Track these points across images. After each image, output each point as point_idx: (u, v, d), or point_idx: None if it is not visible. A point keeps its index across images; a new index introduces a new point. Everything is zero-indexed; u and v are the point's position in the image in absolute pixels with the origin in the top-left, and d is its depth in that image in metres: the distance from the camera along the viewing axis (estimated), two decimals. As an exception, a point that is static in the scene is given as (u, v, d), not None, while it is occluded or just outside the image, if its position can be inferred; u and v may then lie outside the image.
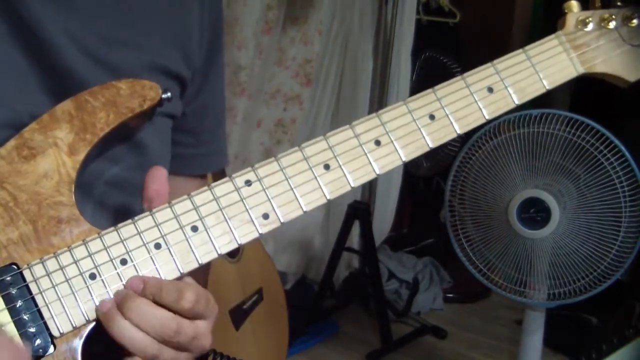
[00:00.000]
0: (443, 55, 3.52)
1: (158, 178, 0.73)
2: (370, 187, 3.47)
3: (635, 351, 1.64)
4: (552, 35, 0.87)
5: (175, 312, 0.69)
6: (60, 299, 0.69)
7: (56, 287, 0.69)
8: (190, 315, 0.69)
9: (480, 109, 0.82)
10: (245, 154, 3.33)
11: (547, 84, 0.85)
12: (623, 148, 1.87)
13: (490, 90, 0.83)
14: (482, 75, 0.83)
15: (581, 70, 0.87)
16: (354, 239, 3.36)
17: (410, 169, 3.71)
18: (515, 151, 2.01)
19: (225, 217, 0.73)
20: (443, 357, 3.07)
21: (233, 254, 2.10)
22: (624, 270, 1.92)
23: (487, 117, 0.82)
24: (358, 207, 3.07)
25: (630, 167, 1.87)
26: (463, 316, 3.42)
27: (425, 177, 3.84)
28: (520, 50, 0.85)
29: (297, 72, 3.41)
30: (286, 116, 3.44)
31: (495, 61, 0.84)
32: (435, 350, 3.11)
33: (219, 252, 0.73)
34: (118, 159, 0.80)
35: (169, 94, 0.75)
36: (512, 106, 0.84)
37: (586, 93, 3.24)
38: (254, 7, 3.24)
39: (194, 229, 0.72)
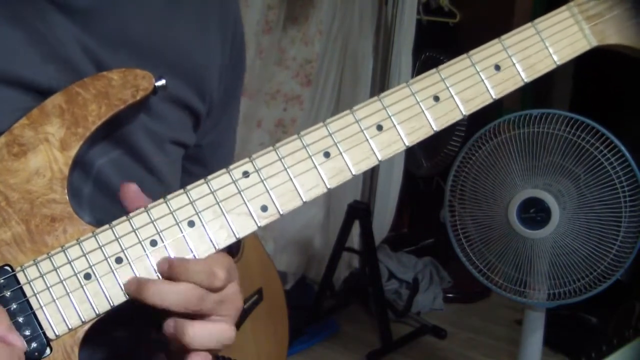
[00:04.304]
0: (443, 55, 3.52)
1: (131, 196, 0.73)
2: (370, 187, 3.47)
3: (635, 351, 1.64)
4: (563, 7, 0.82)
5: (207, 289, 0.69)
6: (54, 301, 0.68)
7: (50, 289, 0.68)
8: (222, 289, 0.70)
9: (488, 88, 0.78)
10: (245, 154, 3.31)
11: (558, 59, 0.81)
12: (623, 148, 1.87)
13: (497, 68, 0.79)
14: (488, 53, 0.79)
15: (594, 43, 0.82)
16: (354, 239, 3.36)
17: (410, 169, 3.71)
18: (515, 151, 2.01)
19: (222, 211, 0.71)
20: (443, 357, 3.07)
21: (233, 254, 2.10)
22: (624, 270, 1.92)
23: (494, 97, 0.78)
24: (358, 207, 3.07)
25: (630, 167, 1.87)
26: (463, 316, 3.42)
27: (425, 177, 3.84)
28: (529, 24, 0.80)
29: (298, 72, 3.42)
30: (286, 116, 3.44)
31: (503, 37, 0.80)
32: (435, 350, 3.11)
33: (217, 248, 0.71)
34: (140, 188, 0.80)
35: (163, 81, 0.73)
36: (520, 84, 0.80)
37: (586, 93, 3.24)
38: (255, 7, 3.24)
39: (191, 224, 0.70)
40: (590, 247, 1.95)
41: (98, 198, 0.77)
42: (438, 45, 3.59)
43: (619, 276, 1.93)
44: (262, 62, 3.34)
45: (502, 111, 2.43)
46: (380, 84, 3.40)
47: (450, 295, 3.58)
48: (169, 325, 0.69)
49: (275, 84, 3.40)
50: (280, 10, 3.31)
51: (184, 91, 0.83)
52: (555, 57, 0.81)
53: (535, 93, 3.51)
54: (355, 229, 3.23)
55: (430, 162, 3.73)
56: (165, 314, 0.69)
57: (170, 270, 0.69)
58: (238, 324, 2.27)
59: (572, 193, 1.96)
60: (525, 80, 0.80)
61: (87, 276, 0.68)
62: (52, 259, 0.68)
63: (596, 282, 1.96)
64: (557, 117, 1.95)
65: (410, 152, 3.68)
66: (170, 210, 0.70)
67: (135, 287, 0.69)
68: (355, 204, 3.08)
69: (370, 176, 3.45)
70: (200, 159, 0.93)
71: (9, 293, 0.67)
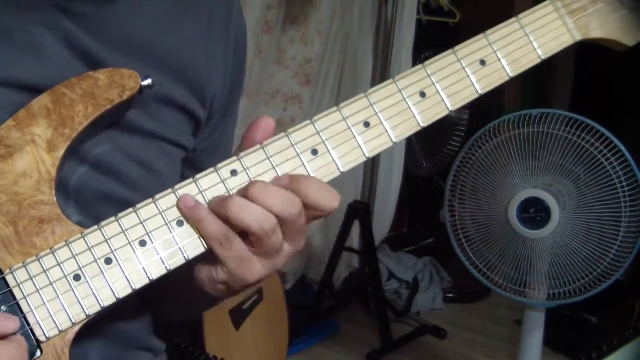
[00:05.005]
0: (443, 56, 3.51)
1: (263, 129, 0.73)
2: (370, 187, 3.46)
3: (635, 351, 1.63)
4: (547, 1, 0.83)
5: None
6: (45, 304, 0.67)
7: (40, 292, 0.67)
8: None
9: (473, 83, 0.79)
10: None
11: (542, 54, 0.82)
12: (623, 148, 1.87)
13: (483, 63, 0.79)
14: (474, 48, 0.80)
15: (578, 37, 0.83)
16: (354, 239, 3.36)
17: (410, 169, 3.70)
18: (515, 151, 2.01)
19: None
20: (443, 357, 3.06)
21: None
22: (624, 270, 1.92)
23: (480, 92, 0.79)
24: (358, 207, 3.06)
25: (630, 167, 1.87)
26: (463, 316, 3.41)
27: (425, 177, 3.83)
28: (513, 19, 0.82)
29: (297, 72, 3.41)
30: (286, 116, 3.43)
31: (488, 32, 0.80)
32: (435, 350, 3.11)
33: (206, 247, 0.71)
34: (132, 184, 0.80)
35: (149, 81, 0.74)
36: (506, 79, 0.81)
37: (586, 93, 3.24)
38: (254, 7, 3.23)
39: (180, 224, 0.70)
40: (590, 247, 1.95)
41: (85, 192, 0.77)
42: (438, 45, 3.57)
43: (619, 276, 1.93)
44: (261, 62, 3.33)
45: (502, 111, 2.42)
46: (380, 84, 3.39)
47: (450, 295, 3.57)
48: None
49: (274, 84, 3.39)
50: (279, 10, 3.30)
51: (185, 96, 0.84)
52: (539, 52, 0.82)
53: (535, 93, 3.51)
54: (355, 229, 3.22)
55: (430, 162, 3.73)
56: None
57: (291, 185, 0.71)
58: (238, 324, 2.25)
59: (572, 193, 1.96)
60: (511, 74, 0.81)
61: (77, 278, 0.68)
62: (41, 261, 0.68)
63: (596, 282, 1.96)
64: (557, 117, 1.95)
65: (410, 152, 3.68)
66: (159, 210, 0.70)
67: (219, 202, 0.69)
68: (355, 204, 3.08)
69: (370, 176, 3.45)
70: (195, 164, 0.93)
71: (-1, 296, 0.67)
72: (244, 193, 0.69)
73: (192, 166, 0.93)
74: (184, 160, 0.90)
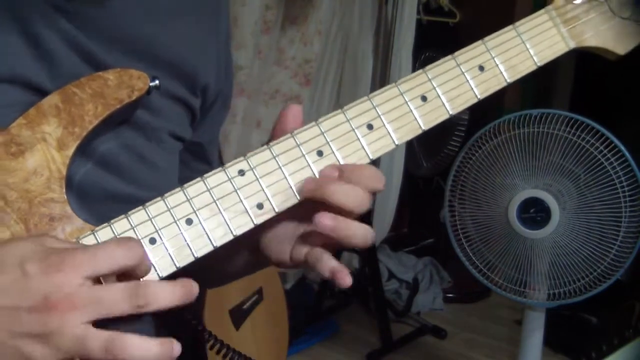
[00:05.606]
0: (443, 55, 3.50)
1: (293, 117, 0.77)
2: (370, 187, 3.46)
3: (635, 351, 1.63)
4: (542, 10, 0.85)
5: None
6: None
7: None
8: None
9: (472, 88, 0.81)
10: (245, 154, 3.31)
11: (538, 60, 0.84)
12: (623, 148, 1.87)
13: (481, 68, 0.81)
14: (473, 54, 0.82)
15: (572, 45, 0.86)
16: (354, 239, 3.35)
17: (411, 169, 3.71)
18: (515, 151, 2.01)
19: (219, 209, 0.72)
20: (443, 357, 3.07)
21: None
22: (624, 270, 1.92)
23: (478, 97, 0.81)
24: (358, 207, 3.06)
25: (630, 167, 1.87)
26: (463, 316, 3.42)
27: (425, 177, 3.84)
28: (510, 27, 0.84)
29: (297, 72, 3.41)
30: (286, 116, 3.43)
31: (486, 38, 0.83)
32: (435, 350, 3.11)
33: (215, 245, 0.71)
34: (132, 179, 0.80)
35: (157, 82, 0.75)
36: (503, 84, 0.83)
37: (586, 93, 3.24)
38: (253, 7, 3.23)
39: (189, 222, 0.71)
40: (590, 247, 1.95)
41: (88, 188, 0.77)
42: (438, 45, 3.59)
43: (619, 276, 1.93)
44: (260, 62, 3.33)
45: (502, 111, 2.43)
46: (380, 84, 3.40)
47: (450, 295, 3.58)
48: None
49: (274, 84, 3.39)
50: (278, 10, 3.30)
51: (180, 89, 0.85)
52: (535, 59, 0.84)
53: (535, 93, 3.51)
54: (355, 229, 3.22)
55: (430, 162, 3.73)
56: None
57: (343, 175, 0.74)
58: (238, 324, 2.25)
59: (572, 193, 1.96)
60: (508, 80, 0.83)
61: (88, 275, 0.68)
62: None
63: (596, 282, 1.96)
64: (557, 117, 1.96)
65: (410, 152, 3.68)
66: (167, 207, 0.71)
67: (314, 185, 0.73)
68: (355, 204, 3.07)
69: (371, 176, 3.44)
70: (203, 156, 0.95)
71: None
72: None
73: (201, 159, 0.94)
74: (192, 153, 0.92)
